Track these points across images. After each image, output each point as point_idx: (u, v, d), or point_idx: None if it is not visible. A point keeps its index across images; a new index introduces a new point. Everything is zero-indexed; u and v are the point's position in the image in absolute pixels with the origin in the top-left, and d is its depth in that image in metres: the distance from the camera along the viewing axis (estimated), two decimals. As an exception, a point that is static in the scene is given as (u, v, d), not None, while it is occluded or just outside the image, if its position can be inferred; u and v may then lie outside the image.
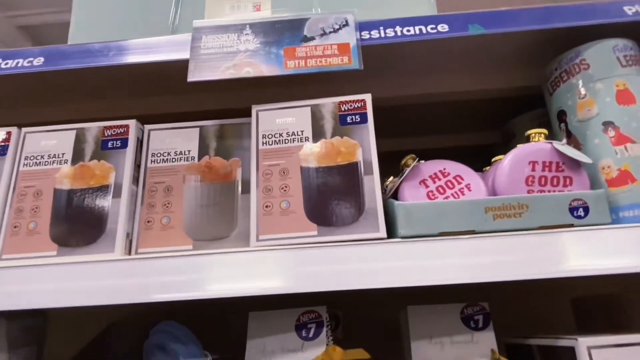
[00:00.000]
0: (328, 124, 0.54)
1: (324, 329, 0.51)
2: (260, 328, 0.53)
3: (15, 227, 0.54)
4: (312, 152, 0.52)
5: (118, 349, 0.71)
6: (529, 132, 0.54)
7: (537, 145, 0.52)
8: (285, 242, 0.49)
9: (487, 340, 0.51)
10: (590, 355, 0.44)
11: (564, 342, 0.47)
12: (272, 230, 0.50)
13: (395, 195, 0.54)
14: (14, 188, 0.56)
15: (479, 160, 0.62)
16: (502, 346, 0.57)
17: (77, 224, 0.53)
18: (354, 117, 0.53)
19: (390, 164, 0.62)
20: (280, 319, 0.53)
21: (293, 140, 0.54)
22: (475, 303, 0.54)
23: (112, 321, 0.83)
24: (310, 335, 0.50)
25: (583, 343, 0.45)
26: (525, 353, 0.55)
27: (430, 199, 0.52)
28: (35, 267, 0.49)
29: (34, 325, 0.60)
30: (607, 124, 0.51)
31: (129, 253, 0.53)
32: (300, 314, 0.52)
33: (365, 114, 0.54)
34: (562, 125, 0.56)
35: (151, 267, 0.48)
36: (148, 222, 0.55)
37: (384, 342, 0.63)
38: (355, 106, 0.53)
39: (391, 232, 0.50)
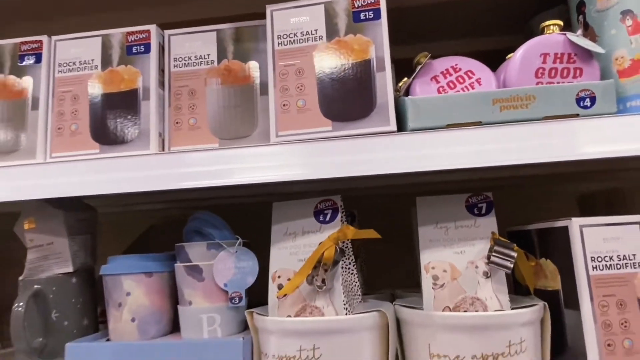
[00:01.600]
0: (341, 22, 0.54)
1: (339, 214, 0.56)
2: (283, 215, 0.59)
3: (59, 128, 0.60)
4: (325, 51, 0.54)
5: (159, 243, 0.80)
6: (544, 23, 0.53)
7: (550, 37, 0.52)
8: (303, 137, 0.54)
9: (488, 224, 0.56)
10: (582, 233, 0.49)
11: (560, 223, 0.51)
12: (290, 127, 0.54)
13: (408, 93, 0.56)
14: (53, 94, 0.61)
15: (499, 64, 0.62)
16: (504, 234, 0.62)
17: (113, 124, 0.58)
18: (367, 13, 0.54)
19: (403, 71, 0.63)
20: (300, 207, 0.59)
21: (307, 40, 0.55)
22: (479, 193, 0.59)
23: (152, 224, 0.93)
24: (327, 219, 0.56)
25: (576, 222, 0.49)
26: (524, 238, 0.60)
27: (440, 94, 0.54)
28: (81, 161, 0.55)
29: (86, 217, 0.69)
30: (625, 13, 0.50)
31: (162, 150, 0.59)
32: (318, 202, 0.58)
33: (379, 9, 0.54)
34: (580, 17, 0.55)
35: (183, 160, 0.53)
36: (177, 123, 0.60)
37: (396, 236, 0.69)
38: (369, 1, 0.54)
39: (402, 128, 0.53)
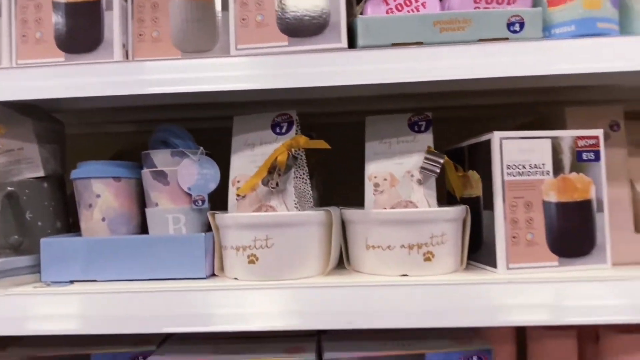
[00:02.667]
0: (299, -61, 0.57)
1: (294, 127, 0.62)
2: (243, 128, 0.64)
3: (23, 36, 0.61)
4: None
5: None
6: (488, -48, 0.57)
7: (491, -35, 0.56)
8: (261, 51, 0.57)
9: (426, 140, 0.63)
10: (501, 144, 0.56)
11: (485, 137, 0.58)
12: (248, 41, 0.58)
13: (361, 16, 0.60)
14: (16, 1, 0.61)
15: None
16: (444, 152, 0.70)
17: (77, 34, 0.60)
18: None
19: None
20: (258, 120, 0.64)
21: (267, -44, 0.58)
22: (421, 112, 0.65)
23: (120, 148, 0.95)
24: (283, 131, 0.62)
25: (497, 135, 0.56)
26: (458, 154, 0.67)
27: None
28: (48, 67, 0.58)
29: (54, 129, 0.72)
30: (558, -55, 0.55)
31: (127, 58, 0.62)
32: (275, 115, 0.63)
33: None
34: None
35: (147, 67, 0.57)
36: (140, 35, 0.62)
37: (350, 150, 0.75)
38: None
39: (355, 47, 0.58)
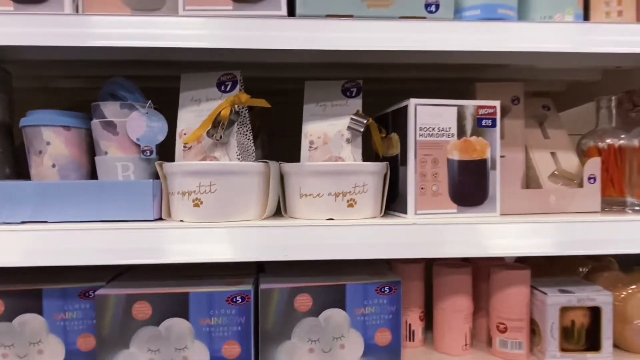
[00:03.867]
0: None
1: (238, 86, 0.68)
2: (190, 85, 0.70)
3: (-33, -19, 0.62)
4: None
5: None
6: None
7: (415, -50, 0.64)
8: (207, 13, 0.62)
9: (356, 104, 0.72)
10: (415, 109, 0.66)
11: (404, 103, 0.68)
12: (196, 2, 0.62)
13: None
14: (-43, -56, 0.61)
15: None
16: (375, 117, 0.79)
17: (25, -17, 0.62)
18: None
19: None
20: (205, 79, 0.69)
21: None
22: (353, 79, 0.73)
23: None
24: (228, 89, 0.68)
25: (413, 102, 0.66)
26: (385, 119, 0.76)
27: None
28: (-4, 14, 0.59)
29: (2, 78, 0.73)
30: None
31: (77, 12, 0.64)
32: (221, 74, 0.69)
33: None
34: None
35: (97, 22, 0.60)
36: (90, -11, 0.64)
37: (294, 112, 0.82)
38: None
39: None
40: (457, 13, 0.66)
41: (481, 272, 0.78)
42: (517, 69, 0.90)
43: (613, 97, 0.81)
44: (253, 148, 0.72)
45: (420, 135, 0.66)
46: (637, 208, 0.73)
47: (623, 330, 0.72)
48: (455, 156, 0.68)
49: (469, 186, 0.68)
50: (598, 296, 0.68)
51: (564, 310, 0.69)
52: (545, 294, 0.69)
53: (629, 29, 0.66)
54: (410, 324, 0.76)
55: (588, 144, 0.82)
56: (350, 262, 0.76)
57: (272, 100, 0.71)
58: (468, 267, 0.74)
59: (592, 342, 0.70)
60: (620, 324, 0.72)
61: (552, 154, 0.81)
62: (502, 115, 0.81)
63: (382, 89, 0.93)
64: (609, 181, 0.80)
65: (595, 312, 0.69)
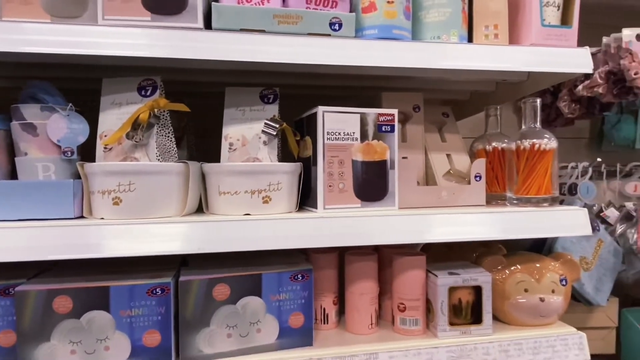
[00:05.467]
0: None
1: (158, 91, 0.72)
2: (111, 89, 0.73)
3: None
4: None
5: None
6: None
7: (320, -26, 0.72)
8: (126, 23, 0.66)
9: (272, 110, 0.79)
10: (323, 116, 0.74)
11: (314, 110, 0.76)
12: (114, 13, 0.66)
13: (220, 2, 0.72)
14: None
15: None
16: (292, 123, 0.86)
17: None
18: None
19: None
20: (126, 83, 0.73)
21: (133, -60, 0.66)
22: (270, 87, 0.80)
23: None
24: (148, 94, 0.72)
25: (321, 109, 0.74)
26: (301, 123, 0.84)
27: (239, 4, 0.71)
28: None
29: None
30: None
31: (-7, 19, 0.66)
32: (141, 80, 0.73)
33: None
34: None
35: (20, 28, 0.62)
36: (7, -5, 0.66)
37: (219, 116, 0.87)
38: None
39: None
40: (358, 32, 0.75)
41: (388, 259, 0.87)
42: (424, 80, 1.02)
43: (498, 107, 0.95)
44: (175, 149, 0.76)
45: (328, 138, 0.74)
46: (515, 202, 0.86)
47: (503, 305, 0.85)
48: (359, 157, 0.76)
49: (371, 184, 0.77)
50: (480, 277, 0.80)
51: (453, 290, 0.80)
52: (436, 276, 0.79)
53: (499, 50, 0.78)
54: (324, 308, 0.84)
55: (477, 147, 0.94)
56: (270, 253, 0.84)
57: (204, 103, 0.76)
58: (374, 255, 0.83)
59: (477, 317, 0.82)
60: (501, 301, 0.85)
61: (448, 155, 0.93)
62: (405, 121, 0.91)
63: (306, 95, 1.01)
64: (494, 179, 0.93)
65: (479, 291, 0.81)
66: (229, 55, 0.68)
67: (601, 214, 1.15)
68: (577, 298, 1.02)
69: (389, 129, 0.78)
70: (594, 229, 0.99)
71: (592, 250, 1.00)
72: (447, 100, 1.25)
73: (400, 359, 0.75)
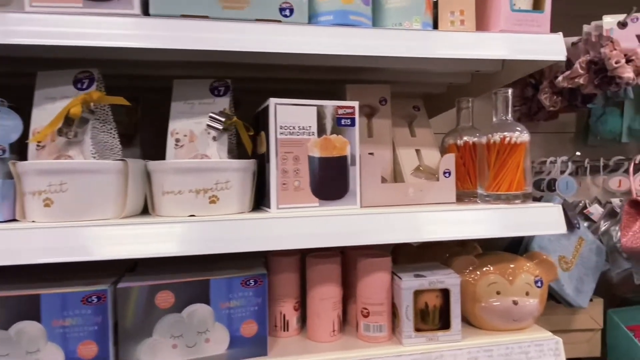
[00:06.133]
0: None
1: (95, 84, 0.67)
2: (46, 83, 0.68)
3: None
4: None
5: None
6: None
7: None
8: (55, 9, 0.61)
9: (223, 103, 0.74)
10: (275, 109, 0.69)
11: (267, 103, 0.71)
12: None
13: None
14: None
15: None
16: (250, 119, 0.81)
17: None
18: None
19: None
20: (61, 77, 0.68)
21: None
22: (222, 79, 0.75)
23: None
24: (84, 87, 0.67)
25: (273, 101, 0.69)
26: (258, 119, 0.79)
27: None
28: None
29: None
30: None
31: None
32: (77, 72, 0.67)
33: None
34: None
35: None
36: None
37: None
38: None
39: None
40: (313, 18, 0.70)
41: (354, 261, 0.82)
42: (395, 72, 0.96)
43: (470, 99, 0.90)
44: (119, 146, 0.71)
45: (281, 133, 0.69)
46: (486, 199, 0.81)
47: (474, 309, 0.80)
48: (316, 153, 0.71)
49: (330, 181, 0.72)
50: (447, 279, 0.75)
51: (419, 293, 0.75)
52: (400, 278, 0.75)
53: (465, 37, 0.73)
54: (284, 315, 0.79)
55: (449, 142, 0.89)
56: (228, 257, 0.78)
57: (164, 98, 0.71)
58: (337, 257, 0.78)
59: (446, 322, 0.77)
60: (472, 303, 0.80)
61: (417, 151, 0.88)
62: (371, 115, 0.86)
63: (271, 89, 0.96)
64: (467, 175, 0.88)
65: (447, 294, 0.76)
66: (169, 43, 0.63)
67: (585, 211, 1.11)
68: (557, 299, 0.98)
69: (349, 123, 0.73)
70: (574, 226, 0.94)
71: (572, 249, 0.95)
72: (424, 94, 1.20)
73: (360, 368, 0.70)
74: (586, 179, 1.17)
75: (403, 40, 0.71)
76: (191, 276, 0.68)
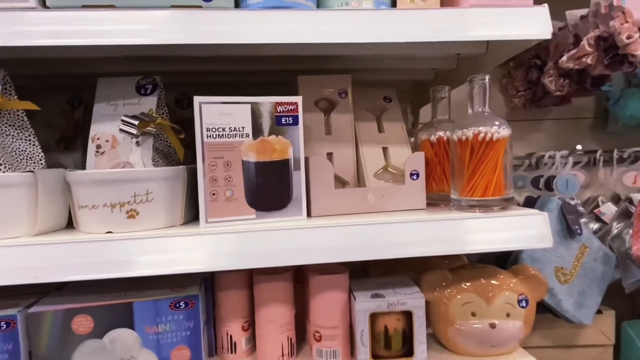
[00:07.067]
0: None
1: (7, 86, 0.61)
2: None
3: None
4: None
5: None
6: None
7: None
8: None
9: (150, 103, 0.65)
10: (200, 108, 0.60)
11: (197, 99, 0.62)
12: None
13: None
14: None
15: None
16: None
17: None
18: None
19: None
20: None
21: None
22: (150, 75, 0.67)
23: None
24: (-11, 91, 0.61)
25: (197, 99, 0.60)
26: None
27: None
28: None
29: None
30: None
31: None
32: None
33: None
34: None
35: None
36: None
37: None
38: None
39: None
40: (242, 2, 0.61)
41: (301, 277, 0.74)
42: (367, 59, 0.85)
43: (447, 87, 0.77)
44: (40, 154, 0.65)
45: (209, 136, 0.61)
46: (462, 204, 0.69)
47: (447, 331, 0.70)
48: (252, 158, 0.62)
49: (268, 189, 0.63)
50: (409, 299, 0.65)
51: (377, 315, 0.66)
52: (355, 299, 0.65)
53: (426, 15, 0.61)
54: (231, 335, 0.71)
55: (422, 137, 0.78)
56: (162, 277, 0.71)
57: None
58: (285, 274, 0.69)
59: (410, 347, 0.67)
60: (444, 325, 0.70)
61: (384, 149, 0.77)
62: (329, 110, 0.76)
63: (230, 83, 0.87)
64: (442, 175, 0.76)
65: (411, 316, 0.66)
66: (70, 38, 0.55)
67: (595, 211, 0.96)
68: (556, 314, 0.85)
69: (291, 121, 0.64)
70: (574, 232, 0.81)
71: (571, 258, 0.82)
72: (412, 81, 1.08)
73: (305, 402, 0.62)
74: (599, 173, 1.02)
75: (349, 24, 0.60)
76: (110, 299, 0.62)
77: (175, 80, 0.79)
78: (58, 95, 0.83)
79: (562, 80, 1.01)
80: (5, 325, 0.58)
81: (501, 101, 1.24)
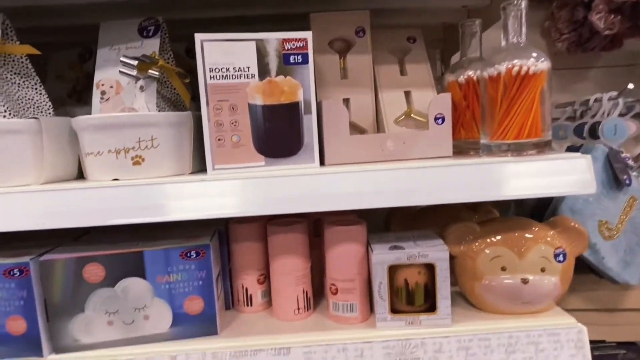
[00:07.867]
0: None
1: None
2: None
3: None
4: None
5: None
6: None
7: None
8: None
9: (152, 45, 0.62)
10: (202, 47, 0.56)
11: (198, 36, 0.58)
12: None
13: None
14: None
15: None
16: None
17: None
18: None
19: None
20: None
21: None
22: (152, 17, 0.63)
23: None
24: (-10, 36, 0.59)
25: (198, 37, 0.56)
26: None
27: None
28: None
29: None
30: None
31: None
32: (-17, 20, 0.59)
33: None
34: None
35: None
36: None
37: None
38: None
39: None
40: None
41: (318, 228, 0.70)
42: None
43: (477, 22, 0.69)
44: (47, 103, 0.64)
45: (212, 77, 0.57)
46: (492, 149, 0.62)
47: (474, 288, 0.65)
48: (258, 100, 0.58)
49: (278, 134, 0.59)
50: (431, 251, 0.60)
51: (397, 268, 0.61)
52: (372, 251, 0.61)
53: None
54: (246, 288, 0.69)
55: (449, 79, 0.71)
56: (185, 223, 0.69)
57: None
58: (299, 224, 0.66)
59: (433, 302, 0.63)
60: (471, 281, 0.65)
61: (407, 93, 0.70)
62: (345, 51, 0.70)
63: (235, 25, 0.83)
64: (472, 120, 0.69)
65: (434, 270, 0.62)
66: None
67: (648, 162, 0.86)
68: (599, 274, 0.78)
69: (300, 60, 0.59)
70: (622, 182, 0.73)
71: (618, 212, 0.73)
72: (444, 25, 0.99)
73: (319, 355, 0.59)
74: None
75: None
76: (121, 247, 0.61)
77: (186, 31, 0.76)
78: (69, 48, 0.82)
79: (612, 16, 0.89)
80: (18, 273, 0.58)
81: (543, 48, 1.13)
